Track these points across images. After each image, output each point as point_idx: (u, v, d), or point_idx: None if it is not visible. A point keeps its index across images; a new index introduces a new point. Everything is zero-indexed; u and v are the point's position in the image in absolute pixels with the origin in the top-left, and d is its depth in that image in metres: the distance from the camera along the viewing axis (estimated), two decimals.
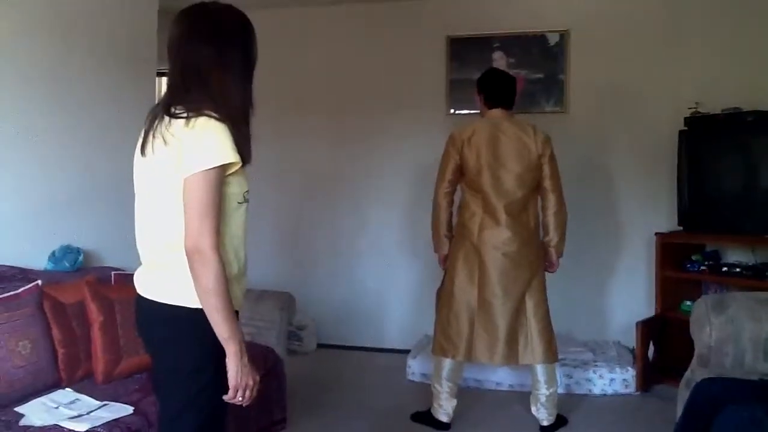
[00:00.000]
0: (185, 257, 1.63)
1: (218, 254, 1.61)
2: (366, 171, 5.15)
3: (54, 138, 3.29)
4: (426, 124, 4.95)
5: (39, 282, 2.80)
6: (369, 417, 3.72)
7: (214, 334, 1.64)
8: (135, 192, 1.81)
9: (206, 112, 1.64)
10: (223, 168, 1.63)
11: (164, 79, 1.85)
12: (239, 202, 1.73)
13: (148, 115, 1.75)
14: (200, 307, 1.65)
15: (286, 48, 5.11)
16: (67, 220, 3.35)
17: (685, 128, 4.18)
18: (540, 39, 4.79)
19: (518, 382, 4.06)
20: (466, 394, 3.84)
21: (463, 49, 4.93)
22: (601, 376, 4.11)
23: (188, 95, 1.68)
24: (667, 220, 4.41)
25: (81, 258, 3.26)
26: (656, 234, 4.24)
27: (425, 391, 3.72)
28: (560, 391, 4.01)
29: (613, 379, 4.10)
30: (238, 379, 1.66)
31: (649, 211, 4.59)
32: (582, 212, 4.72)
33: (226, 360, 1.65)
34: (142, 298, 1.77)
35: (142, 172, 1.76)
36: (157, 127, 1.68)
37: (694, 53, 4.48)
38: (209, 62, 1.69)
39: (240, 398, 1.69)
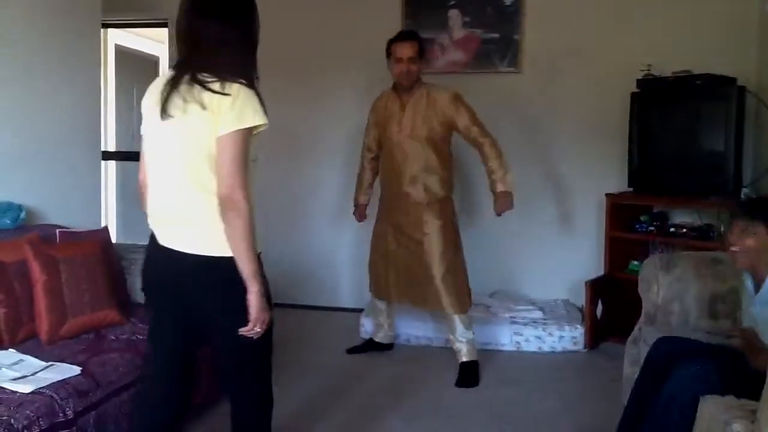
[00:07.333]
0: (216, 212, 1.81)
1: (249, 203, 1.81)
2: (316, 133, 5.08)
3: None
4: (379, 84, 4.88)
5: None
6: (323, 374, 3.73)
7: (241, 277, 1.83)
8: (150, 152, 1.96)
9: (237, 79, 1.82)
10: (252, 129, 1.83)
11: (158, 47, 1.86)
12: (252, 161, 1.90)
13: (164, 82, 1.89)
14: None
15: None
16: (7, 177, 3.21)
17: (637, 90, 4.21)
18: None
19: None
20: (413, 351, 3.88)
21: (419, 8, 4.86)
22: (550, 334, 4.19)
23: (209, 65, 1.84)
24: (617, 182, 4.46)
25: (23, 215, 3.14)
26: (606, 195, 4.30)
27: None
28: (511, 348, 4.12)
29: (562, 337, 4.19)
30: (258, 313, 1.86)
31: (600, 172, 4.62)
32: (533, 172, 4.76)
33: (248, 296, 1.84)
34: (178, 252, 1.90)
35: (164, 134, 1.90)
36: (183, 91, 1.84)
37: (648, 15, 4.49)
38: (221, 38, 1.87)
39: (257, 329, 1.88)
